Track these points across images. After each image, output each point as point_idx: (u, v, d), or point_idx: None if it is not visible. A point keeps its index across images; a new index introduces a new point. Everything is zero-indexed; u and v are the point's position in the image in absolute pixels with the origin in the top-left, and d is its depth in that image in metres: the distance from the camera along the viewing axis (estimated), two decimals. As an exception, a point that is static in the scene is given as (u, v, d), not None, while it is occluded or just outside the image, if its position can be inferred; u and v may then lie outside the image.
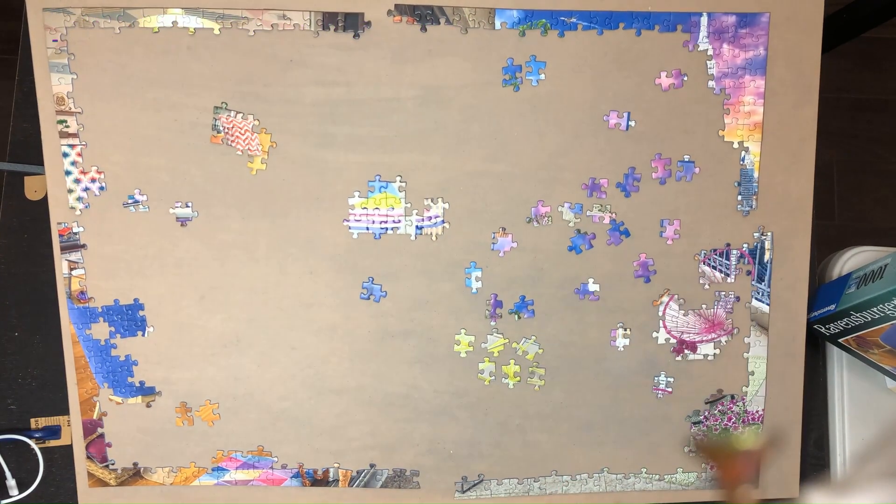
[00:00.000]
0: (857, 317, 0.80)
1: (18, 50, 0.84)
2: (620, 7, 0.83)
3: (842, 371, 0.92)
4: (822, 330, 0.87)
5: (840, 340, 0.87)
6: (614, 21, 0.83)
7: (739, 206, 0.85)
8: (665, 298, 0.86)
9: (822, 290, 0.88)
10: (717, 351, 0.87)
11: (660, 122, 0.84)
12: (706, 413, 0.87)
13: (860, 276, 0.82)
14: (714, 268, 0.86)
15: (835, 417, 0.91)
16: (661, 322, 0.86)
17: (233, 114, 0.82)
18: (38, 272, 0.86)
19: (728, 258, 0.86)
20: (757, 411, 0.87)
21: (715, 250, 0.86)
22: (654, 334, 0.86)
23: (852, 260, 0.91)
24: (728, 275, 0.86)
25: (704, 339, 0.86)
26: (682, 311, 0.86)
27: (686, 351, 0.86)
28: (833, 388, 0.92)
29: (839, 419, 0.91)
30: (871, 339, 0.82)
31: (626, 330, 0.86)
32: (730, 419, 0.87)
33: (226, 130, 0.82)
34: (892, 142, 1.66)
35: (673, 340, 0.86)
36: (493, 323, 0.85)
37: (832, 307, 0.84)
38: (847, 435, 0.90)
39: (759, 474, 0.87)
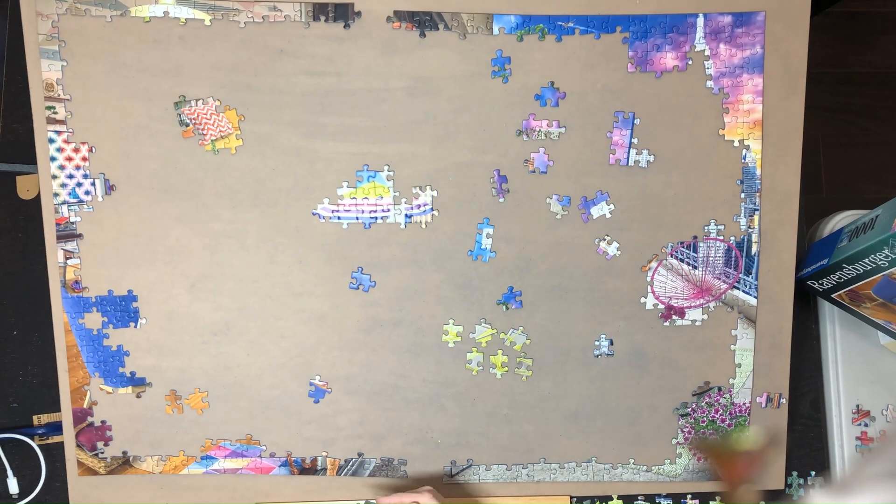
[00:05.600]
0: (850, 269, 0.81)
1: (4, 51, 0.85)
2: (617, 11, 0.84)
3: (834, 328, 0.93)
4: (815, 285, 0.88)
5: (833, 296, 0.87)
6: (611, 25, 0.84)
7: (743, 203, 0.86)
8: (653, 264, 0.86)
9: (815, 246, 0.89)
10: (705, 317, 0.87)
11: (658, 121, 0.85)
12: (693, 405, 0.88)
13: (852, 229, 0.83)
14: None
15: (829, 374, 0.92)
16: (649, 287, 0.86)
17: (193, 103, 0.83)
18: (34, 270, 0.86)
19: (728, 255, 0.87)
20: (744, 403, 0.88)
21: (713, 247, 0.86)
22: (643, 300, 0.86)
23: (841, 223, 0.92)
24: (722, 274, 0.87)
25: (693, 304, 0.87)
26: (671, 276, 0.86)
27: (674, 316, 0.87)
28: (826, 345, 0.93)
29: (833, 376, 0.92)
30: (863, 293, 0.82)
31: (618, 322, 0.86)
32: (717, 411, 0.88)
33: (193, 122, 0.83)
34: (875, 114, 1.67)
35: (661, 306, 0.86)
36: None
37: (825, 261, 0.84)
38: (842, 392, 0.91)
39: (761, 474, 0.88)
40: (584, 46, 0.84)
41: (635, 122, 0.85)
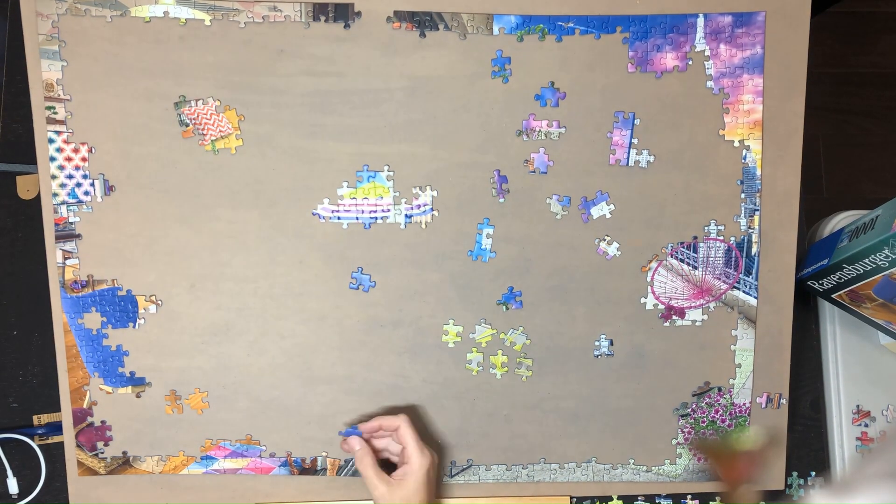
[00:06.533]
0: (850, 269, 0.81)
1: (5, 50, 0.85)
2: (618, 11, 0.84)
3: (835, 328, 0.93)
4: (816, 286, 0.88)
5: (833, 296, 0.87)
6: (611, 25, 0.84)
7: (743, 203, 0.86)
8: (654, 264, 0.86)
9: (815, 246, 0.89)
10: (705, 317, 0.87)
11: (658, 121, 0.85)
12: (693, 405, 0.88)
13: (852, 229, 0.83)
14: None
15: (829, 375, 0.92)
16: (649, 288, 0.86)
17: (193, 103, 0.83)
18: (34, 270, 0.86)
19: (728, 255, 0.87)
20: (744, 404, 0.88)
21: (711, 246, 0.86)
22: (643, 300, 0.86)
23: (841, 223, 0.92)
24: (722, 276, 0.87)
25: (693, 304, 0.87)
26: (671, 276, 0.86)
27: (674, 317, 0.87)
28: (826, 345, 0.93)
29: (833, 377, 0.92)
30: (863, 293, 0.83)
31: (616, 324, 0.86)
32: (717, 412, 0.88)
33: (193, 122, 0.83)
34: (876, 114, 1.68)
35: (661, 306, 0.86)
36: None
37: (825, 261, 0.84)
38: (842, 392, 0.92)
39: (761, 474, 0.88)
40: (584, 46, 0.84)
41: (635, 122, 0.85)
